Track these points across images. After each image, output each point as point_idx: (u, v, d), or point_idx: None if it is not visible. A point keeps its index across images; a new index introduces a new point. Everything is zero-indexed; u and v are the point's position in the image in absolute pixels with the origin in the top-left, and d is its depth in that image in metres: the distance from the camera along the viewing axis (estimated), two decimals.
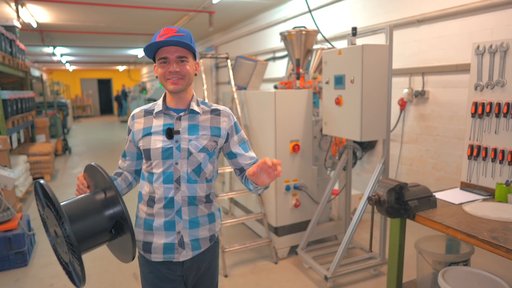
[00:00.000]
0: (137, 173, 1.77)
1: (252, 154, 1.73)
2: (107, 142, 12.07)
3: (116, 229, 1.41)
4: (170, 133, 1.56)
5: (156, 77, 1.58)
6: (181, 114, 1.60)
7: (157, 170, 1.58)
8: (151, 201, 1.61)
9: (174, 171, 1.57)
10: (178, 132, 1.56)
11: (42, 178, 6.83)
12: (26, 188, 5.76)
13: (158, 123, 1.60)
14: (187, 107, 1.62)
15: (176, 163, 1.57)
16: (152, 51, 1.53)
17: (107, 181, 1.40)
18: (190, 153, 1.57)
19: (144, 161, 1.64)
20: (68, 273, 1.42)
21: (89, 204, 1.40)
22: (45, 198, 1.35)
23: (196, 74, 1.62)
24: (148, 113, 1.65)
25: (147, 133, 1.60)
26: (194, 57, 1.60)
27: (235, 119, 1.72)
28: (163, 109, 1.61)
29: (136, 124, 1.65)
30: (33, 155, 6.74)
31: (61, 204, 1.33)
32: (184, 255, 1.62)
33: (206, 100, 1.75)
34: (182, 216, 1.59)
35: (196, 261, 1.68)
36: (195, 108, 1.61)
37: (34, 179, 6.71)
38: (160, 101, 1.64)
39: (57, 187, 6.53)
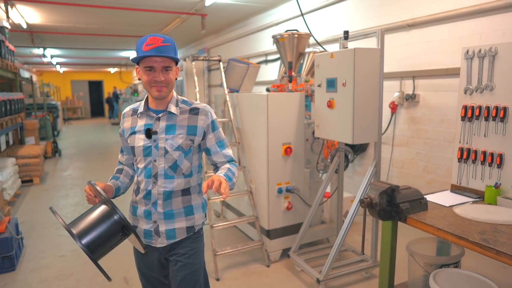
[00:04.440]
0: None
1: (227, 152, 1.85)
2: (98, 144, 11.96)
3: (125, 230, 1.56)
4: (148, 133, 1.71)
5: (139, 79, 1.70)
6: (160, 115, 1.73)
7: (140, 166, 1.76)
8: (137, 190, 1.81)
9: (152, 167, 1.73)
10: (155, 133, 1.72)
11: (31, 181, 6.75)
12: (14, 191, 5.68)
13: (140, 123, 1.76)
14: (166, 108, 1.75)
15: (155, 160, 1.73)
16: (139, 59, 1.63)
17: (104, 198, 1.53)
18: (166, 151, 1.71)
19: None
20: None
21: (95, 218, 1.53)
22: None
23: (176, 79, 1.74)
24: (134, 112, 1.81)
25: (132, 132, 1.77)
26: (176, 64, 1.72)
27: (214, 117, 1.82)
28: (144, 110, 1.75)
29: (125, 123, 1.82)
30: (22, 158, 6.66)
31: (70, 225, 1.49)
32: (160, 242, 1.78)
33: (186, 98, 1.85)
34: (157, 208, 1.75)
35: (173, 248, 1.81)
36: (172, 109, 1.73)
37: (22, 182, 6.62)
38: (142, 103, 1.78)
39: (46, 190, 6.45)
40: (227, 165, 1.81)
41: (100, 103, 25.12)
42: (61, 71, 23.46)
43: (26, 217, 5.01)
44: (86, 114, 24.15)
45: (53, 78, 22.90)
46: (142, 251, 1.65)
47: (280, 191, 3.56)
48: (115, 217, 1.52)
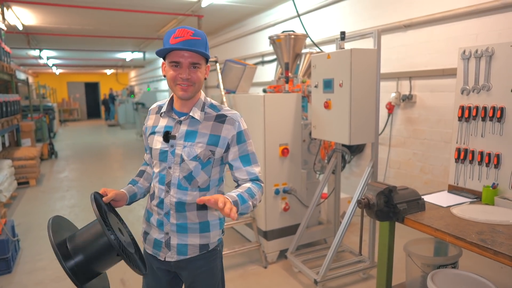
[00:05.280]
0: None
1: (253, 169, 1.60)
2: (94, 146, 11.92)
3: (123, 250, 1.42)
4: (166, 137, 1.56)
5: (164, 76, 1.55)
6: (182, 118, 1.57)
7: (156, 170, 1.62)
8: (152, 195, 1.65)
9: (166, 175, 1.58)
10: (174, 137, 1.55)
11: (27, 183, 6.71)
12: (10, 193, 5.64)
13: (162, 124, 1.61)
14: (189, 112, 1.57)
15: (169, 167, 1.57)
16: (165, 51, 1.48)
17: (97, 219, 1.38)
18: (182, 160, 1.54)
19: None
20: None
21: (89, 238, 1.41)
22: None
23: (205, 78, 1.57)
24: (159, 110, 1.66)
25: (153, 131, 1.63)
26: (207, 61, 1.55)
27: (242, 128, 1.59)
28: (167, 111, 1.60)
29: (149, 120, 1.69)
30: (18, 160, 6.61)
31: (70, 236, 1.43)
32: (169, 256, 1.63)
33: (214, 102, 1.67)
34: (170, 219, 1.59)
35: (186, 266, 1.65)
36: (196, 115, 1.56)
37: (19, 183, 6.58)
38: (167, 101, 1.64)
39: (43, 192, 6.41)
40: (248, 184, 1.55)
41: (96, 105, 25.05)
42: (57, 73, 23.39)
43: (22, 219, 4.98)
44: (82, 115, 24.07)
45: (49, 79, 22.83)
46: (139, 273, 1.46)
47: (277, 192, 3.55)
48: (106, 240, 1.36)
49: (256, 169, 1.61)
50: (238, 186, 1.60)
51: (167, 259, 1.63)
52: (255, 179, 1.60)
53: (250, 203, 1.47)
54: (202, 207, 1.60)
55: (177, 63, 1.47)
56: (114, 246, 1.34)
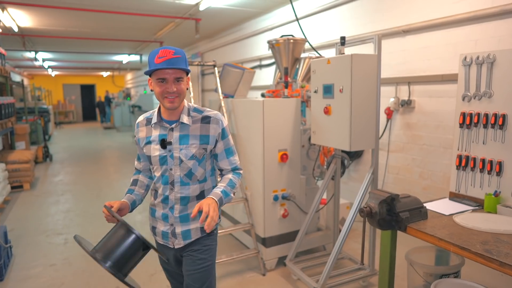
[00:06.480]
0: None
1: (233, 159, 1.94)
2: (90, 149, 11.82)
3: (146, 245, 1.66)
4: (163, 143, 1.79)
5: (151, 90, 1.77)
6: (173, 125, 1.80)
7: (157, 173, 1.86)
8: (155, 194, 1.92)
9: (169, 175, 1.82)
10: (170, 143, 1.80)
11: (21, 186, 6.62)
12: (3, 197, 5.56)
13: (155, 133, 1.84)
14: (178, 119, 1.81)
15: (171, 169, 1.81)
16: (152, 71, 1.70)
17: (121, 222, 1.63)
18: (181, 161, 1.80)
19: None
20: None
21: (116, 241, 1.62)
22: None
23: (187, 88, 1.81)
24: (148, 122, 1.88)
25: (148, 141, 1.85)
26: (187, 74, 1.78)
27: (225, 125, 1.89)
28: (157, 121, 1.82)
29: (140, 132, 1.90)
30: (11, 163, 6.53)
31: (96, 247, 1.62)
32: (177, 243, 1.88)
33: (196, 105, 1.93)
34: (174, 212, 1.86)
35: (188, 245, 1.89)
36: (185, 120, 1.80)
37: (12, 187, 6.50)
38: (155, 113, 1.85)
39: (37, 196, 6.33)
40: (230, 176, 1.90)
41: (92, 107, 24.92)
42: (53, 75, 23.24)
43: (15, 225, 4.90)
44: (78, 118, 23.92)
45: (44, 81, 22.67)
46: (165, 259, 1.87)
47: (276, 198, 3.51)
48: (134, 236, 1.59)
49: (236, 158, 1.96)
50: (221, 175, 1.95)
51: (176, 247, 1.88)
52: (235, 168, 1.94)
53: (232, 194, 1.84)
54: (201, 197, 1.86)
55: (163, 79, 1.70)
56: (142, 239, 1.58)
